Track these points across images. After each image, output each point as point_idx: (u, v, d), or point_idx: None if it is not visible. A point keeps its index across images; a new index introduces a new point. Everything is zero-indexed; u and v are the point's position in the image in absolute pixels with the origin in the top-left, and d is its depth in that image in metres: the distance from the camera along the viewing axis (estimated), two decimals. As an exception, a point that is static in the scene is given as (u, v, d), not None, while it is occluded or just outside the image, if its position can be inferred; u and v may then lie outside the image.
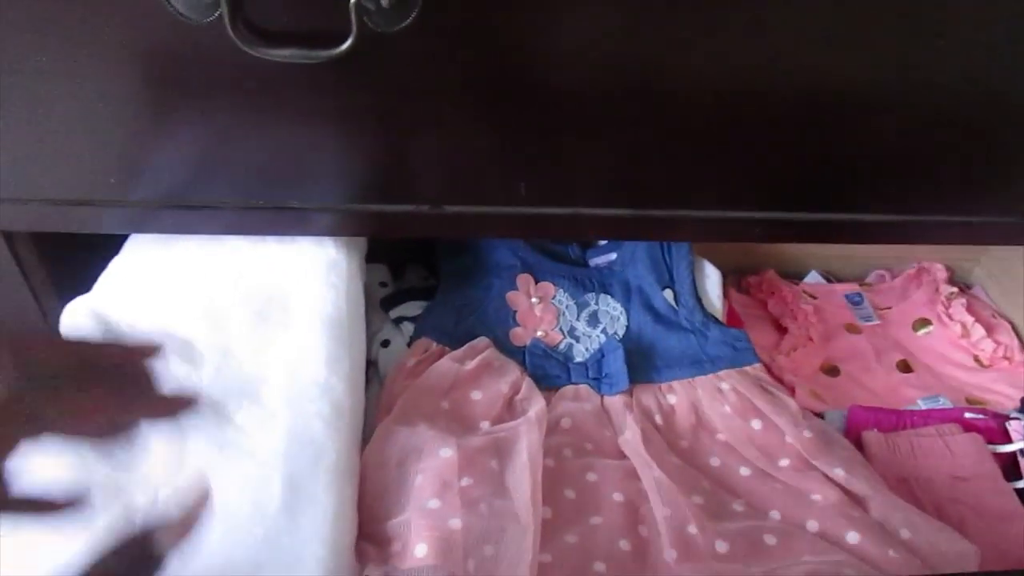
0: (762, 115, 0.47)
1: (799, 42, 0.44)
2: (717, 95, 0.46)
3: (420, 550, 0.44)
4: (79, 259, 0.55)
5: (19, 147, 0.44)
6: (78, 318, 0.50)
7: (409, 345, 0.60)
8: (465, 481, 0.48)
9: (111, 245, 0.57)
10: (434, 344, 0.59)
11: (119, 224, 0.48)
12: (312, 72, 0.42)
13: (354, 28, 0.39)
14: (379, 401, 0.56)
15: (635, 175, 0.50)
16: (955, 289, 0.79)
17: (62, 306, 0.54)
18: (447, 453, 0.49)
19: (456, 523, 0.45)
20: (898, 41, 0.44)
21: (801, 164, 0.51)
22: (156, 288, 0.52)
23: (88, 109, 0.43)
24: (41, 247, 0.52)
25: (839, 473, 0.54)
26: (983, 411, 0.65)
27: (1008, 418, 0.64)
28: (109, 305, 0.51)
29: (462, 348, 0.59)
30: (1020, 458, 0.62)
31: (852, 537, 0.49)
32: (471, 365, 0.57)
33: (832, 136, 0.49)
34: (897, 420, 0.64)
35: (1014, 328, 0.76)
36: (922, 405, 0.68)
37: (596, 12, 0.41)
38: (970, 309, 0.77)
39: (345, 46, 0.40)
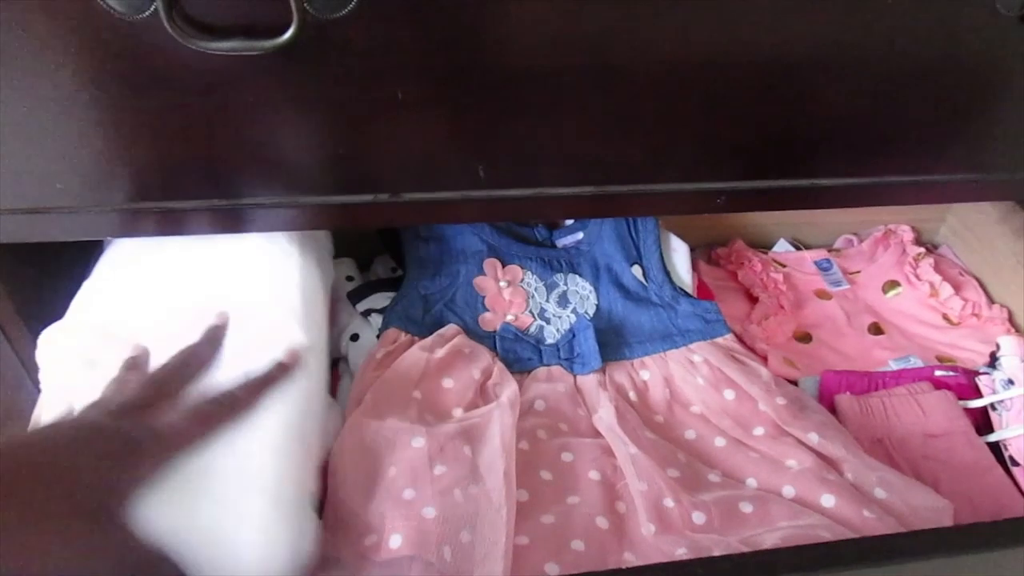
0: (718, 86, 0.47)
1: (751, 11, 0.44)
2: (672, 68, 0.46)
3: (395, 541, 0.43)
4: (33, 272, 0.54)
5: (-41, 158, 0.43)
6: (55, 345, 0.49)
7: (378, 337, 0.59)
8: (438, 469, 0.47)
9: (65, 256, 0.56)
10: (403, 334, 0.58)
11: (70, 231, 0.47)
12: (258, 64, 0.41)
13: (295, 16, 0.39)
14: (350, 395, 0.55)
15: (595, 152, 0.50)
16: (922, 249, 0.79)
17: (18, 319, 0.54)
18: (419, 443, 0.49)
19: (430, 512, 0.45)
20: (849, 5, 0.44)
21: (760, 132, 0.50)
22: (125, 310, 0.51)
23: (25, 114, 0.42)
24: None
25: (813, 438, 0.54)
26: (953, 368, 0.66)
27: (978, 373, 0.65)
28: (83, 329, 0.50)
29: (431, 336, 0.58)
30: (991, 412, 0.63)
31: (827, 500, 0.50)
32: (441, 353, 0.57)
33: (789, 103, 0.49)
34: (869, 382, 0.64)
35: (981, 285, 0.77)
36: (893, 366, 0.68)
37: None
38: (938, 268, 0.77)
39: (287, 36, 0.39)
